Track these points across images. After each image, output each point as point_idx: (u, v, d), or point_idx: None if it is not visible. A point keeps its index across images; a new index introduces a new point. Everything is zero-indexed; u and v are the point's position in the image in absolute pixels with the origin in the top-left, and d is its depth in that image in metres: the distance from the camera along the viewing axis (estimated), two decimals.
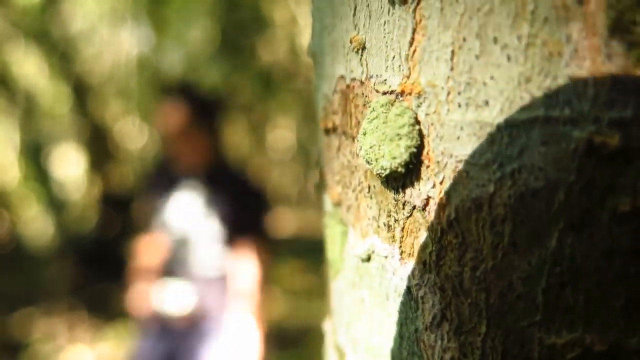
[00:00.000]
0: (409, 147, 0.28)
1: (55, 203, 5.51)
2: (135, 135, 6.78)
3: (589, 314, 0.26)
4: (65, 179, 5.63)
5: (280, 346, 3.84)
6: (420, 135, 0.28)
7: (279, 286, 5.07)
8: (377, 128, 0.29)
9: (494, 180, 0.26)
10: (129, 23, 6.34)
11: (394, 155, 0.28)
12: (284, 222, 6.93)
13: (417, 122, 0.28)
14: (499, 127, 0.26)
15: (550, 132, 0.25)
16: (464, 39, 0.26)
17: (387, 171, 0.29)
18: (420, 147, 0.28)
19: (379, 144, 0.29)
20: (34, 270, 5.27)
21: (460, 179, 0.27)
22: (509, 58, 0.25)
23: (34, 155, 5.49)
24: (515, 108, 0.26)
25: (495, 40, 0.26)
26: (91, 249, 5.74)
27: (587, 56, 0.24)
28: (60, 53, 5.49)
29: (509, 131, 0.26)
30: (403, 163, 0.28)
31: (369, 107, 0.30)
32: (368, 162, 0.30)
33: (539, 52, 0.25)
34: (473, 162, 0.27)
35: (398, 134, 0.28)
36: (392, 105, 0.28)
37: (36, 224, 5.37)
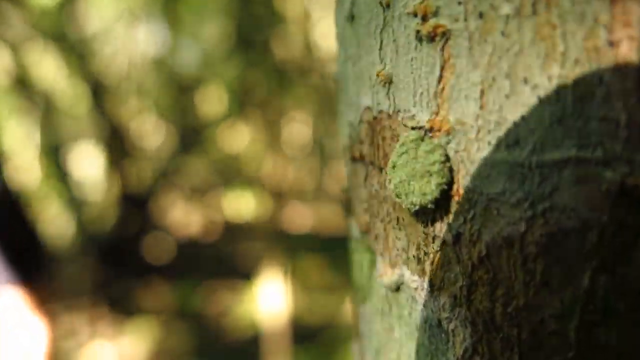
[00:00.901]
0: (440, 184, 0.28)
1: (75, 202, 5.57)
2: (152, 133, 6.82)
3: (623, 354, 0.26)
4: (85, 178, 5.69)
5: (297, 341, 3.86)
6: (451, 172, 0.28)
7: (296, 281, 5.09)
8: (407, 163, 0.29)
9: (525, 219, 0.27)
10: (145, 22, 6.38)
11: (424, 192, 0.28)
12: (301, 217, 6.94)
13: (447, 159, 0.28)
14: (530, 167, 0.26)
15: (582, 173, 0.25)
16: (494, 79, 0.26)
17: (417, 207, 0.29)
18: (450, 183, 0.28)
19: (408, 179, 0.29)
20: (55, 269, 5.34)
21: (491, 216, 0.27)
22: (539, 98, 0.25)
23: (54, 155, 5.55)
24: (546, 148, 0.26)
25: (525, 80, 0.26)
26: (111, 246, 5.80)
27: (620, 98, 0.24)
28: (78, 53, 5.54)
29: (540, 171, 0.26)
30: (433, 200, 0.28)
31: (399, 141, 0.30)
32: (398, 196, 0.30)
33: (571, 93, 0.25)
34: (504, 200, 0.27)
35: (428, 171, 0.28)
36: (422, 141, 0.29)
37: (57, 223, 5.44)
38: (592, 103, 0.24)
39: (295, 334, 3.98)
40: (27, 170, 5.85)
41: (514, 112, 0.26)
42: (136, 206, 6.21)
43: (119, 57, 6.43)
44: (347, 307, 4.20)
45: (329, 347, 3.91)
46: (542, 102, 0.25)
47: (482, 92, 0.27)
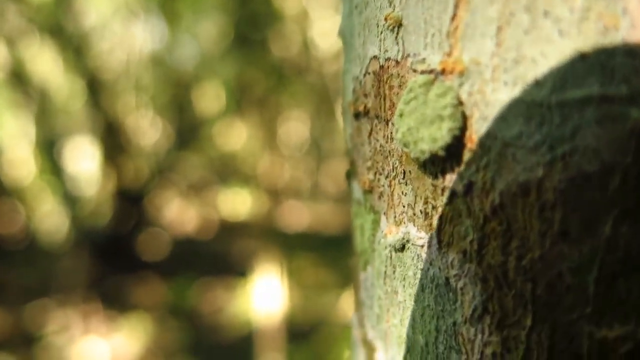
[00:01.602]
0: (452, 129, 0.26)
1: (70, 197, 5.55)
2: (148, 129, 6.80)
3: None
4: (80, 173, 5.66)
5: (291, 339, 3.84)
6: (464, 116, 0.26)
7: (291, 279, 5.07)
8: (415, 109, 0.27)
9: (543, 164, 0.25)
10: (142, 17, 6.35)
11: (434, 138, 0.26)
12: (296, 216, 6.92)
13: (460, 103, 0.26)
14: (550, 107, 0.24)
15: (605, 112, 0.23)
16: (512, 13, 0.25)
17: (427, 155, 0.27)
18: (463, 129, 0.26)
19: (417, 126, 0.27)
20: (49, 264, 5.31)
21: (506, 163, 0.26)
22: (561, 33, 0.24)
23: (49, 150, 5.52)
24: (567, 86, 0.24)
25: (545, 13, 0.24)
26: (106, 242, 5.78)
27: None
28: (74, 48, 5.51)
29: (561, 111, 0.24)
30: (445, 146, 0.27)
31: (406, 87, 0.28)
32: (405, 146, 0.28)
33: (594, 26, 0.23)
34: (521, 144, 0.25)
35: (439, 115, 0.26)
36: (432, 84, 0.27)
37: (51, 218, 5.41)
38: (616, 36, 0.23)
39: (290, 332, 3.96)
40: (22, 164, 5.82)
41: (534, 49, 0.24)
42: (131, 202, 6.19)
43: (116, 52, 6.41)
44: (342, 306, 4.20)
45: (323, 346, 3.90)
46: (564, 35, 0.24)
47: (499, 29, 0.25)
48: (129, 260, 5.77)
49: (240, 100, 5.55)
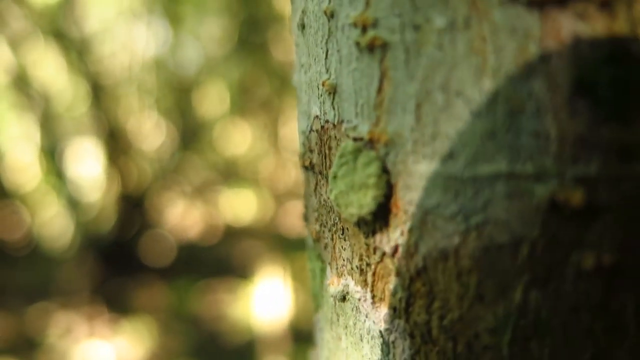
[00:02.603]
0: (376, 197, 0.28)
1: (73, 201, 5.57)
2: (152, 133, 6.82)
3: None
4: (84, 177, 5.69)
5: (295, 342, 3.86)
6: (389, 184, 0.28)
7: (294, 282, 5.08)
8: (346, 174, 0.29)
9: (459, 232, 0.26)
10: (146, 21, 6.38)
11: (361, 204, 0.28)
12: (300, 218, 6.93)
13: (386, 171, 0.28)
14: (463, 180, 0.26)
15: (513, 187, 0.25)
16: (429, 92, 0.26)
17: (355, 218, 0.29)
18: (388, 195, 0.28)
19: (347, 191, 0.29)
20: (53, 268, 5.34)
21: (427, 229, 0.27)
22: (472, 112, 0.25)
23: (53, 154, 5.55)
24: (479, 162, 0.25)
25: (458, 93, 0.25)
26: (109, 246, 5.80)
27: (550, 112, 0.24)
28: (78, 52, 5.54)
29: (473, 185, 0.26)
30: (370, 212, 0.28)
31: (339, 152, 0.30)
32: (338, 207, 0.30)
33: (502, 107, 0.25)
34: (439, 213, 0.27)
35: (365, 183, 0.28)
36: (361, 152, 0.28)
37: (55, 223, 5.44)
38: (523, 117, 0.24)
39: (293, 335, 3.97)
40: (26, 169, 5.85)
41: (448, 126, 0.26)
42: (135, 206, 6.21)
43: (119, 55, 6.43)
44: None
45: None
46: (475, 115, 0.25)
47: (418, 105, 0.27)
48: (132, 264, 5.79)
49: (244, 103, 5.57)
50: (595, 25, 0.23)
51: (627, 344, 0.25)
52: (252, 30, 5.18)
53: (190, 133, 6.53)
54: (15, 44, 5.21)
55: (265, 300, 4.00)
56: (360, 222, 0.30)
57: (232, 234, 6.88)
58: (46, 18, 5.41)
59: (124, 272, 5.71)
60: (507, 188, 0.25)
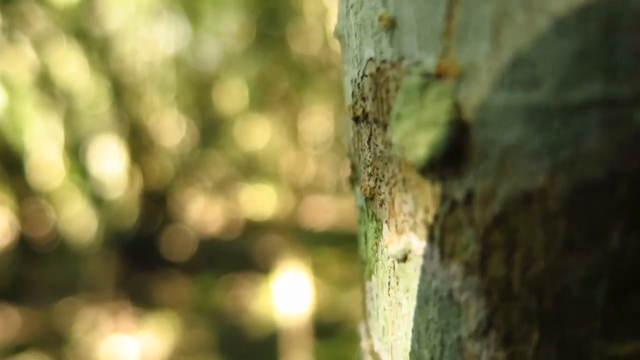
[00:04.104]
0: (448, 135, 0.25)
1: (97, 198, 5.62)
2: (173, 129, 6.85)
3: None
4: (107, 174, 5.73)
5: (318, 335, 3.85)
6: (461, 121, 0.25)
7: (316, 276, 5.07)
8: (412, 113, 0.26)
9: (544, 171, 0.23)
10: (165, 18, 6.40)
11: (431, 144, 0.25)
12: (321, 212, 6.92)
13: (457, 107, 0.25)
14: (550, 110, 0.23)
15: (610, 115, 0.22)
16: (508, 12, 0.23)
17: (423, 161, 0.26)
18: (460, 134, 0.25)
19: (414, 131, 0.26)
20: (79, 264, 5.40)
21: (506, 170, 0.24)
22: (559, 31, 0.22)
23: (77, 152, 5.60)
24: (568, 88, 0.22)
25: (544, 10, 0.22)
26: (133, 242, 5.85)
27: None
28: (99, 50, 5.58)
29: (562, 115, 0.23)
30: (441, 152, 0.25)
31: (403, 88, 0.27)
32: (402, 150, 0.27)
33: (595, 23, 0.21)
34: (520, 150, 0.24)
35: (435, 121, 0.25)
36: (428, 87, 0.25)
37: (80, 220, 5.50)
38: (619, 32, 0.21)
39: (315, 329, 3.97)
40: (50, 167, 5.92)
41: (531, 49, 0.23)
42: (157, 202, 6.26)
43: (140, 53, 6.47)
44: None
45: (348, 342, 3.90)
46: (562, 34, 0.22)
47: (495, 28, 0.24)
48: (155, 259, 5.84)
49: (263, 98, 5.56)
50: None
51: None
52: (270, 25, 5.17)
53: (211, 129, 6.56)
54: (37, 44, 5.27)
55: (286, 295, 4.00)
56: (427, 169, 0.27)
57: (253, 228, 6.90)
58: (68, 18, 5.46)
59: (147, 267, 5.76)
60: (601, 115, 0.22)
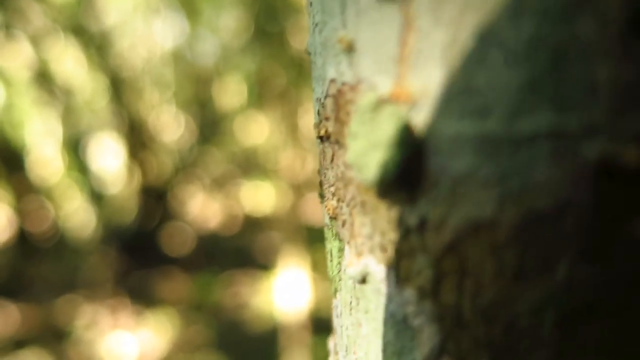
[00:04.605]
0: (398, 156, 0.25)
1: (96, 194, 5.63)
2: (171, 125, 6.85)
3: (607, 354, 0.23)
4: (105, 170, 5.74)
5: (317, 332, 3.86)
6: (413, 145, 0.25)
7: (315, 273, 5.07)
8: (366, 133, 0.26)
9: (494, 200, 0.23)
10: (163, 14, 6.39)
11: (381, 164, 0.25)
12: (320, 208, 6.93)
13: (410, 130, 0.25)
14: (499, 141, 0.23)
15: (558, 146, 0.22)
16: (459, 40, 0.23)
17: (374, 181, 0.26)
18: (413, 159, 0.25)
19: (367, 151, 0.26)
20: (78, 260, 5.41)
21: (457, 198, 0.24)
22: (509, 61, 0.22)
23: (75, 148, 5.60)
24: (517, 119, 0.22)
25: (494, 40, 0.22)
26: (132, 238, 5.86)
27: (599, 57, 0.20)
28: (97, 46, 5.58)
29: (511, 145, 0.22)
30: (391, 173, 0.25)
31: (359, 108, 0.26)
32: (357, 169, 0.27)
33: (544, 53, 0.21)
34: (471, 178, 0.24)
35: (387, 142, 0.25)
36: (382, 109, 0.25)
37: (79, 215, 5.50)
38: (568, 63, 0.21)
39: (315, 326, 3.98)
40: (49, 163, 5.91)
41: (482, 78, 0.23)
42: (156, 198, 6.27)
43: (138, 49, 6.46)
44: None
45: None
46: (512, 64, 0.22)
47: (447, 56, 0.23)
48: (154, 255, 5.85)
49: (262, 94, 5.56)
50: None
51: None
52: (269, 20, 5.15)
53: (209, 125, 6.56)
54: (35, 40, 5.26)
55: (286, 291, 4.01)
56: (382, 191, 0.27)
57: (253, 225, 6.90)
58: (66, 14, 5.45)
59: (147, 263, 5.77)
60: (549, 146, 0.22)
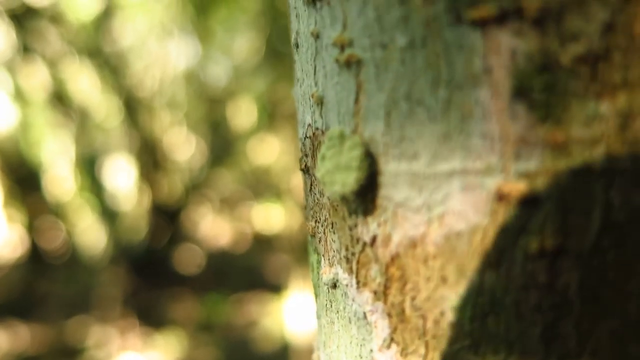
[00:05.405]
0: (359, 177, 0.32)
1: (108, 213, 5.70)
2: (183, 145, 6.94)
3: (511, 341, 0.30)
4: (117, 189, 5.82)
5: None
6: (370, 167, 0.32)
7: None
8: (333, 156, 0.33)
9: (424, 222, 0.30)
10: (176, 36, 6.52)
11: (345, 182, 0.32)
12: None
13: (367, 157, 0.32)
14: (426, 177, 0.30)
15: (466, 182, 0.29)
16: (395, 101, 0.30)
17: (338, 195, 0.33)
18: (369, 177, 0.32)
19: (333, 171, 0.33)
20: (88, 279, 5.45)
21: (398, 220, 0.31)
22: (430, 118, 0.29)
23: (88, 167, 5.69)
24: (437, 160, 0.29)
25: (419, 102, 0.30)
26: (142, 258, 5.89)
27: (494, 116, 0.28)
28: (111, 68, 5.69)
29: (434, 180, 0.30)
30: (352, 191, 0.32)
31: (328, 135, 0.34)
32: (324, 185, 0.34)
33: (455, 113, 0.29)
34: (407, 206, 0.31)
35: (350, 165, 0.32)
36: (346, 139, 0.33)
37: (90, 234, 5.56)
38: (472, 121, 0.28)
39: None
40: (62, 182, 6.00)
41: (412, 130, 0.30)
42: (166, 218, 6.30)
43: (151, 71, 6.57)
44: None
45: None
46: (433, 120, 0.29)
47: (387, 113, 0.31)
48: (164, 275, 5.87)
49: (273, 115, 5.63)
50: (529, 41, 0.27)
51: (572, 318, 0.29)
52: (281, 41, 5.24)
53: (220, 145, 6.62)
54: (52, 62, 5.38)
55: (295, 313, 4.03)
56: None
57: (263, 244, 6.92)
58: (81, 36, 5.56)
59: (156, 282, 5.78)
60: (461, 182, 0.29)
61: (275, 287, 5.43)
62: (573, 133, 0.27)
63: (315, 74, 0.36)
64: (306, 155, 0.39)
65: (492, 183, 0.28)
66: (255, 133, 6.40)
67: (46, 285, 5.79)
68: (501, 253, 0.29)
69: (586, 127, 0.27)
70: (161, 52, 6.69)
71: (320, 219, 0.38)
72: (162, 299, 5.52)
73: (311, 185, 0.39)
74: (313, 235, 0.40)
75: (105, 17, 5.78)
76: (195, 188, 6.51)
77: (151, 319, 5.07)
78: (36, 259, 6.14)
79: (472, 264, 0.30)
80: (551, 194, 0.28)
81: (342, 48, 0.32)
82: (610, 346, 0.29)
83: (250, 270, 6.18)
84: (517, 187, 0.28)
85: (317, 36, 0.34)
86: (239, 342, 4.89)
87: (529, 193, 0.28)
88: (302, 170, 0.41)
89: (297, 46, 0.38)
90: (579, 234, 0.28)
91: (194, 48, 6.60)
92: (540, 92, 0.27)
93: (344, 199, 0.34)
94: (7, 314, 4.99)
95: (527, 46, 0.27)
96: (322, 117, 0.35)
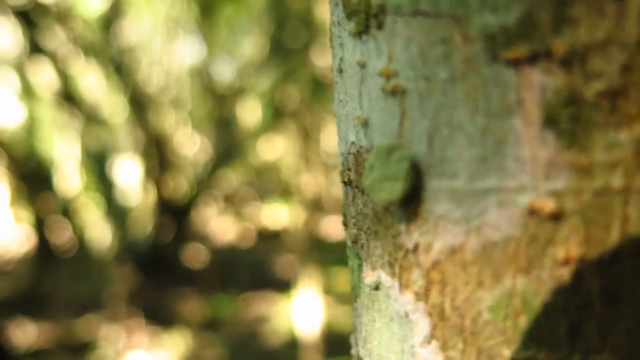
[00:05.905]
0: (405, 187, 0.36)
1: (114, 211, 5.74)
2: (188, 144, 6.98)
3: (540, 338, 0.34)
4: (123, 187, 5.86)
5: (334, 352, 3.91)
6: (416, 177, 0.36)
7: (331, 292, 5.13)
8: (380, 167, 0.38)
9: (463, 233, 0.35)
10: (182, 35, 6.56)
11: (391, 191, 0.37)
12: (336, 227, 6.99)
13: (413, 168, 0.37)
14: (465, 193, 0.34)
15: (502, 198, 0.33)
16: (437, 127, 0.35)
17: (384, 203, 0.38)
18: (413, 188, 0.37)
19: (381, 179, 0.38)
20: (95, 276, 5.49)
21: (439, 231, 0.36)
22: (469, 142, 0.34)
23: (94, 165, 5.74)
24: (476, 179, 0.34)
25: (459, 128, 0.34)
26: (148, 255, 5.92)
27: (526, 142, 0.32)
28: (117, 67, 5.73)
29: (472, 196, 0.34)
30: (398, 198, 0.37)
31: (375, 149, 0.38)
32: (371, 192, 0.38)
33: (491, 138, 0.33)
34: (448, 218, 0.35)
35: (396, 176, 0.37)
36: (394, 151, 0.37)
37: (97, 231, 5.60)
38: (506, 145, 0.33)
39: (331, 345, 4.01)
40: (69, 179, 6.04)
41: (452, 152, 0.34)
42: (172, 216, 6.33)
43: (157, 70, 6.60)
44: None
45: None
46: (471, 144, 0.34)
47: (430, 137, 0.35)
48: (170, 273, 5.90)
49: (279, 113, 5.66)
50: (557, 78, 0.31)
51: (594, 319, 0.33)
52: (286, 39, 5.27)
53: (226, 143, 6.65)
54: (59, 60, 5.40)
55: (302, 309, 4.06)
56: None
57: (269, 243, 6.95)
58: (88, 34, 5.59)
59: (162, 281, 5.79)
60: (497, 199, 0.33)
61: (281, 285, 5.46)
62: (595, 157, 0.31)
63: (360, 97, 0.40)
64: (349, 170, 0.43)
65: (525, 200, 0.33)
66: (261, 131, 6.42)
67: (53, 282, 5.82)
68: (532, 261, 0.33)
69: (607, 153, 0.31)
70: (167, 50, 6.71)
71: (363, 227, 0.42)
72: (168, 297, 5.55)
73: (354, 196, 0.43)
74: (355, 242, 0.44)
75: (112, 15, 5.80)
76: (202, 186, 6.54)
77: (158, 317, 5.09)
78: (43, 255, 6.17)
79: (506, 270, 0.34)
80: (576, 209, 0.32)
81: (388, 78, 0.36)
82: (627, 344, 0.33)
83: (256, 268, 6.21)
84: (547, 204, 0.32)
85: (363, 65, 0.39)
86: (245, 340, 4.91)
87: (557, 209, 0.32)
88: (343, 182, 0.45)
89: (340, 71, 0.43)
90: (600, 244, 0.32)
91: (200, 46, 6.63)
92: (567, 122, 0.31)
93: (387, 209, 0.38)
94: (14, 310, 5.02)
95: (555, 82, 0.31)
96: (366, 136, 0.40)
